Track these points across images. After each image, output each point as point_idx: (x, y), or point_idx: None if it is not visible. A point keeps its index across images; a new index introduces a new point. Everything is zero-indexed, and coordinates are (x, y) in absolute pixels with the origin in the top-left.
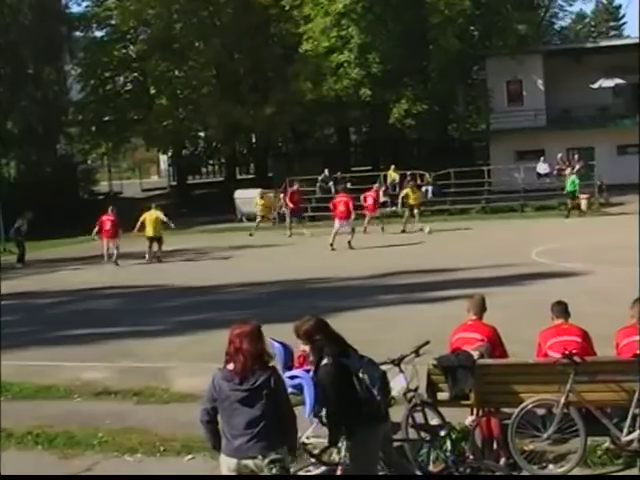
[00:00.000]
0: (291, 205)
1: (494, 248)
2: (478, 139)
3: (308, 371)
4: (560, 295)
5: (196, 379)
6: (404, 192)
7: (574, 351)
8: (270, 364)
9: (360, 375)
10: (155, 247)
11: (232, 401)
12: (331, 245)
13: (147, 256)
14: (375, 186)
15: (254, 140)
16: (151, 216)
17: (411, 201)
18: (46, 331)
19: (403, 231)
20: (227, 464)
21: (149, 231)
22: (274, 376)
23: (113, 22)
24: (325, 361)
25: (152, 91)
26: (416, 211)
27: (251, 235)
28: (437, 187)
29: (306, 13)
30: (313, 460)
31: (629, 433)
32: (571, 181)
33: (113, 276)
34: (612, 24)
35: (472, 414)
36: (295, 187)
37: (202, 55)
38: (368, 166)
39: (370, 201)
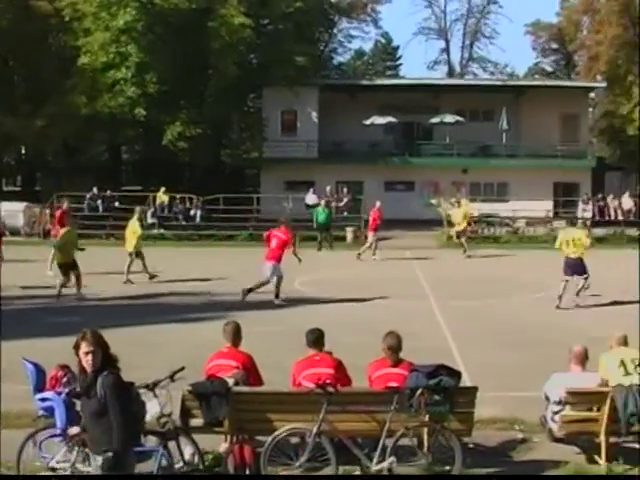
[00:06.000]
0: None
1: (257, 275)
2: (250, 166)
3: (59, 393)
4: (320, 324)
5: None
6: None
7: (328, 381)
8: None
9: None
10: None
11: None
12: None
13: None
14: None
15: (24, 152)
16: None
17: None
18: None
19: None
20: None
21: None
22: None
23: None
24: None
25: None
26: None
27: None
28: (205, 211)
29: (86, 26)
30: None
31: (379, 462)
32: (323, 212)
33: None
34: (389, 64)
35: (226, 441)
36: (65, 206)
37: None
38: (139, 186)
39: None
